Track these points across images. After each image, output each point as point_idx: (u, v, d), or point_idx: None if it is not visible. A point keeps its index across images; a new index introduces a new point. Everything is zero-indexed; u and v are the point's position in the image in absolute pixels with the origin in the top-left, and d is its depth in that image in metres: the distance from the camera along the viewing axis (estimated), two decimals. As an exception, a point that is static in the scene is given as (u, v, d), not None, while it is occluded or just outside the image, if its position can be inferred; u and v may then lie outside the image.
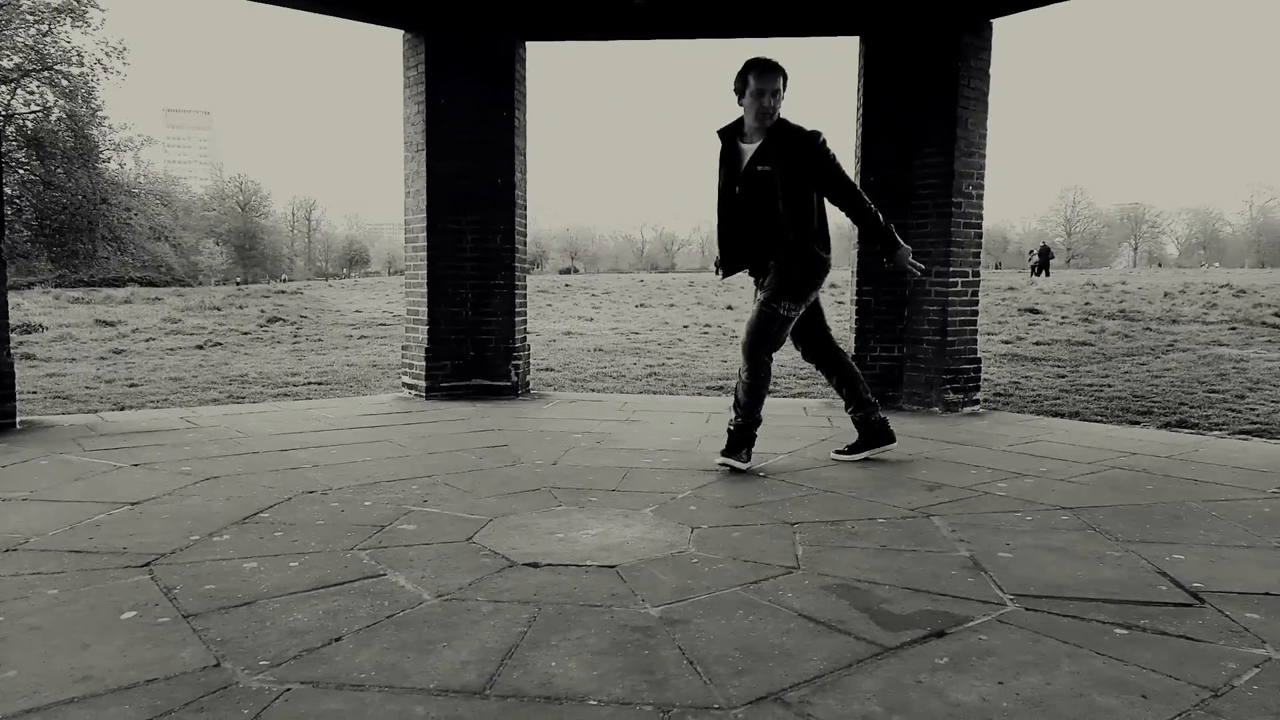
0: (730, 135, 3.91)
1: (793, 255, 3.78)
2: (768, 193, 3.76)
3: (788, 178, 3.73)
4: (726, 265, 3.99)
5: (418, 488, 3.39)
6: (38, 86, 31.24)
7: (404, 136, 6.24)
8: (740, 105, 3.83)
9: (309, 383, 8.10)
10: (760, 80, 3.71)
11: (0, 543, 2.60)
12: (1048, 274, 34.39)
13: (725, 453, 3.83)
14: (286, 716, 1.57)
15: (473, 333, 6.19)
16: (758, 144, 3.79)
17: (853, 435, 4.18)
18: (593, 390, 7.65)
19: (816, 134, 3.77)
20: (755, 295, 4.00)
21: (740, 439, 3.84)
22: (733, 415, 3.89)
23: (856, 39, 5.95)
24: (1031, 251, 40.00)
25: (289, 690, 1.68)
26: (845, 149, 6.13)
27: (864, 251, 5.90)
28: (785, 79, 3.75)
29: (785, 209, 3.75)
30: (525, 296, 6.40)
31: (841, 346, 4.12)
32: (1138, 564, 2.51)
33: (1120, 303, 18.86)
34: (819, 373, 4.24)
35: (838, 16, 5.97)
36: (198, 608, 2.09)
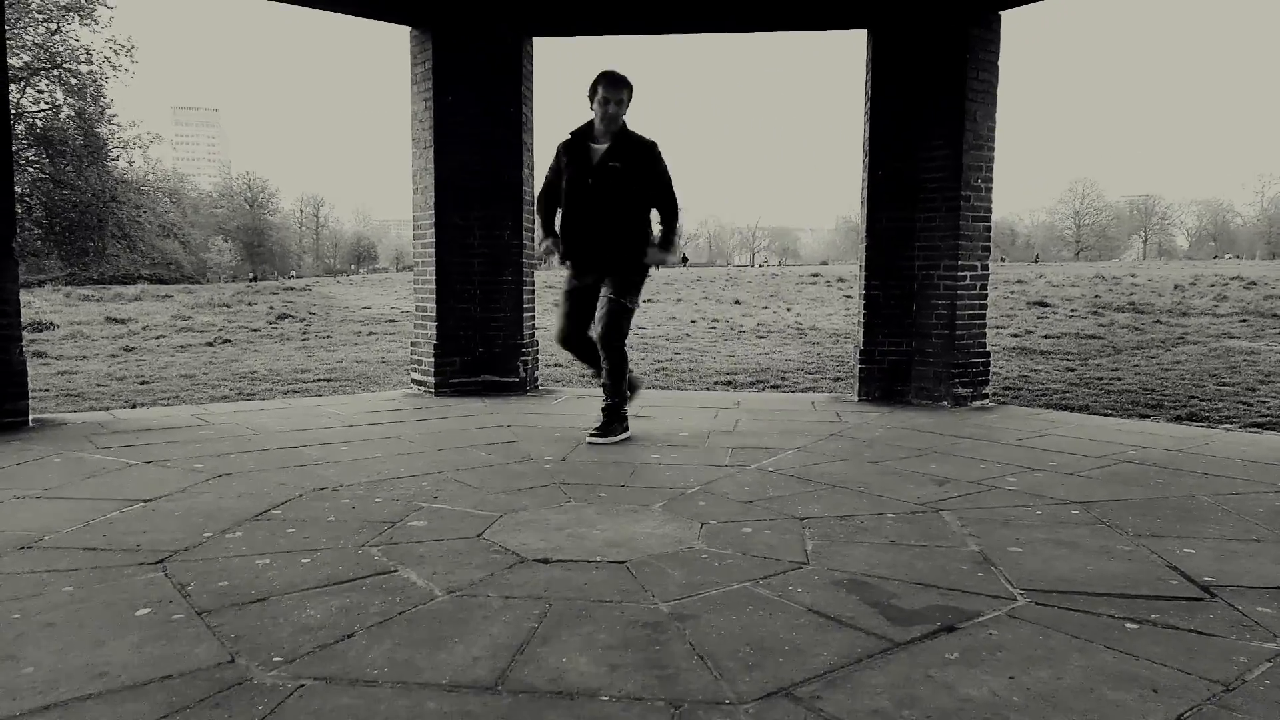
0: (581, 136, 4.40)
1: (636, 254, 4.33)
2: (618, 187, 4.30)
3: (631, 176, 4.30)
4: (572, 253, 4.45)
5: (428, 484, 3.40)
6: (47, 85, 31.40)
7: (411, 133, 6.25)
8: (591, 109, 4.33)
9: (319, 379, 8.12)
10: (608, 90, 4.25)
11: (15, 540, 2.62)
12: None
13: (600, 432, 4.32)
14: (300, 712, 1.59)
15: (481, 329, 6.20)
16: (607, 145, 4.32)
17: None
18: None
19: (654, 143, 4.35)
20: (570, 280, 4.52)
21: (615, 415, 4.40)
22: (604, 399, 4.44)
23: (864, 32, 5.93)
24: None
25: (303, 686, 1.69)
26: (853, 142, 6.15)
27: (878, 242, 5.88)
28: (630, 91, 4.31)
29: (629, 203, 4.31)
30: (533, 292, 6.40)
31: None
32: (1148, 558, 2.50)
33: (1130, 295, 18.78)
34: (579, 359, 4.77)
35: (845, 10, 5.95)
36: (211, 604, 2.11)
